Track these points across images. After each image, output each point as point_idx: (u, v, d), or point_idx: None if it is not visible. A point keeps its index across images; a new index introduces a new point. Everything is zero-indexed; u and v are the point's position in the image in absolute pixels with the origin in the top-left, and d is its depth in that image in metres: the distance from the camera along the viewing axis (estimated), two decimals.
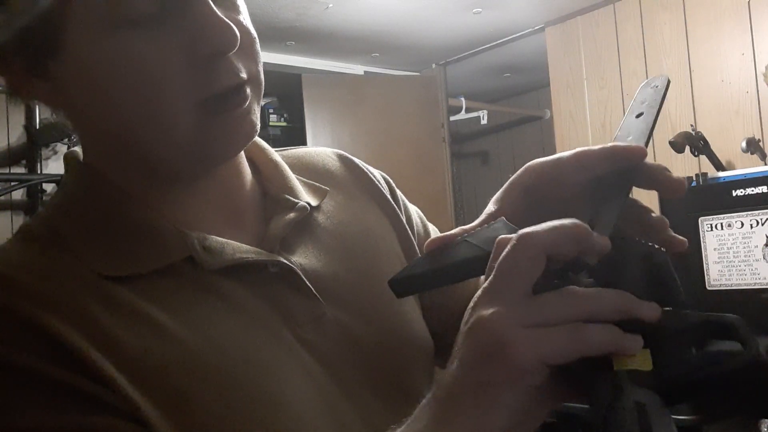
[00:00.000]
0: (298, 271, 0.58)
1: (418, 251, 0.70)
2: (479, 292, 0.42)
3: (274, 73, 3.38)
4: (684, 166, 2.76)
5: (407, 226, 0.72)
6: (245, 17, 0.55)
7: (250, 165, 0.65)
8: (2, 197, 3.14)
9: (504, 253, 0.42)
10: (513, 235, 0.42)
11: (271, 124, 3.75)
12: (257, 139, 0.64)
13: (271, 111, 3.76)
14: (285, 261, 0.58)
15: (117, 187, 0.57)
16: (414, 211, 0.76)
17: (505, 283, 0.41)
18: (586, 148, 0.53)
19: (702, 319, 0.42)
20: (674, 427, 0.41)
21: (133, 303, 0.52)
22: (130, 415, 0.48)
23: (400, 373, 0.61)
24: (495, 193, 0.58)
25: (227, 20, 0.50)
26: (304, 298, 0.58)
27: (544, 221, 0.43)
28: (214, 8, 0.50)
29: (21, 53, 0.53)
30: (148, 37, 0.50)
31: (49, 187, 3.27)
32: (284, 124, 3.78)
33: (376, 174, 0.75)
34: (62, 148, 3.25)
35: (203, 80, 0.51)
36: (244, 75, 0.53)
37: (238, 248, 0.57)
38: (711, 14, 2.76)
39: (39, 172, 3.27)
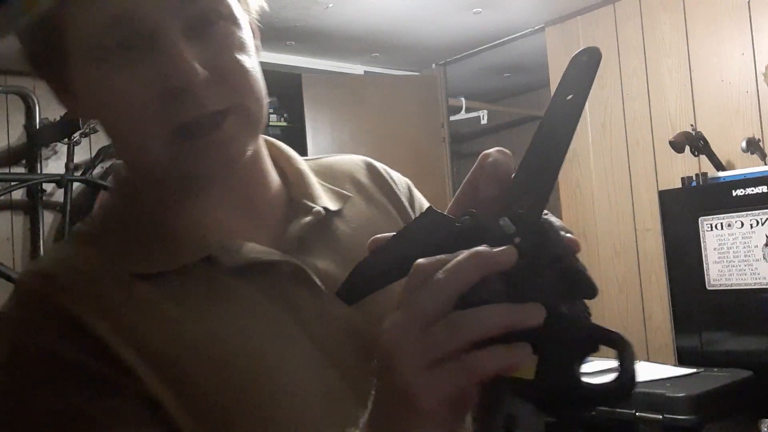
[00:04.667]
0: (309, 270, 0.64)
1: None
2: (390, 319, 0.45)
3: (274, 73, 3.38)
4: (684, 166, 2.76)
5: None
6: (241, 49, 0.60)
7: (280, 173, 0.72)
8: (2, 197, 3.13)
9: (417, 295, 0.44)
10: (431, 261, 0.45)
11: (271, 124, 3.75)
12: (286, 148, 0.75)
13: (271, 111, 3.75)
14: (296, 261, 0.63)
15: (147, 197, 0.65)
16: None
17: (413, 324, 0.44)
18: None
19: (593, 331, 0.43)
20: None
21: (156, 299, 0.59)
22: (145, 398, 0.55)
23: None
24: None
25: (188, 59, 0.56)
26: (314, 296, 0.63)
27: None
28: (179, 47, 0.56)
29: (45, 76, 0.64)
30: (124, 71, 0.57)
31: (49, 187, 3.26)
32: (284, 124, 3.78)
33: (399, 181, 0.80)
34: (62, 148, 3.24)
35: (172, 111, 0.57)
36: (216, 106, 0.58)
37: (255, 248, 0.63)
38: (711, 14, 2.76)
39: (39, 172, 3.26)
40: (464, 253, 0.44)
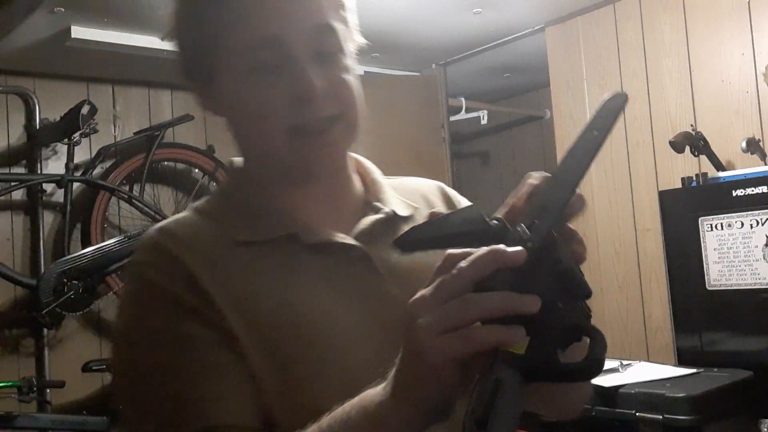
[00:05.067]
0: (372, 257, 0.80)
1: None
2: (418, 293, 0.57)
3: None
4: (684, 166, 2.76)
5: None
6: (348, 72, 0.80)
7: (363, 183, 0.91)
8: (2, 197, 3.13)
9: (443, 278, 0.56)
10: (460, 253, 0.56)
11: None
12: (368, 163, 0.94)
13: None
14: (363, 247, 0.81)
15: (254, 183, 0.84)
16: None
17: (435, 299, 0.55)
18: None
19: (577, 325, 0.55)
20: (521, 400, 0.54)
21: (247, 261, 0.77)
22: (225, 331, 0.72)
23: None
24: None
25: (312, 78, 0.75)
26: (374, 277, 0.80)
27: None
28: (305, 69, 0.76)
29: (193, 80, 0.83)
30: (264, 82, 0.76)
31: (49, 187, 3.26)
32: None
33: (463, 204, 0.96)
34: (62, 148, 3.24)
35: (295, 114, 0.76)
36: (329, 113, 0.77)
37: (330, 232, 0.81)
38: (711, 14, 2.76)
39: (39, 172, 3.26)
40: (484, 249, 0.55)
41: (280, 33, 0.75)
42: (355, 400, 0.62)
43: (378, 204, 0.87)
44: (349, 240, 0.81)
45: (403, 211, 0.87)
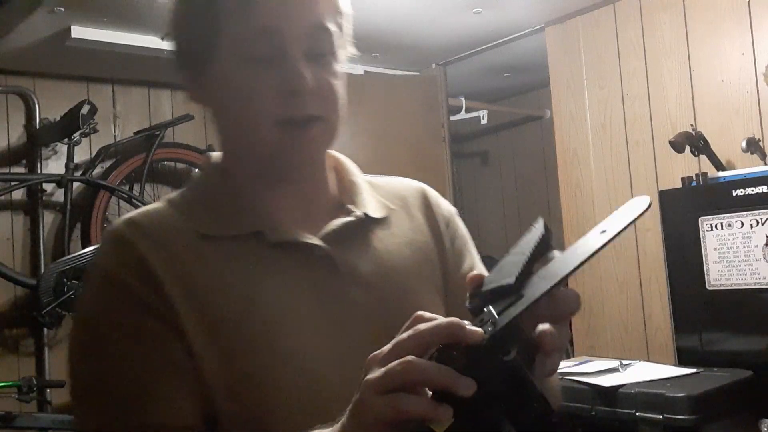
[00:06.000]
0: (336, 258, 0.80)
1: (448, 278, 0.91)
2: (378, 353, 0.58)
3: None
4: (684, 166, 2.76)
5: (449, 255, 0.92)
6: (336, 77, 0.80)
7: (338, 183, 0.90)
8: (2, 197, 3.13)
9: (402, 336, 0.57)
10: (428, 315, 0.57)
11: None
12: (348, 163, 0.92)
13: None
14: (326, 248, 0.80)
15: (229, 178, 0.84)
16: (470, 251, 0.96)
17: (389, 356, 0.56)
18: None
19: (497, 424, 0.54)
20: None
21: (210, 255, 0.77)
22: (178, 327, 0.72)
23: None
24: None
25: (304, 73, 0.76)
26: (335, 279, 0.80)
27: None
28: (298, 64, 0.76)
29: (186, 68, 0.83)
30: (258, 72, 0.77)
31: (49, 187, 3.26)
32: None
33: (444, 208, 0.97)
34: (62, 148, 3.24)
35: (283, 108, 0.77)
36: (313, 112, 0.78)
37: (296, 233, 0.81)
38: (711, 14, 2.76)
39: (39, 172, 3.26)
40: (447, 319, 0.56)
41: (278, 25, 0.76)
42: None
43: (351, 206, 0.87)
44: (314, 240, 0.81)
45: (376, 213, 0.87)
